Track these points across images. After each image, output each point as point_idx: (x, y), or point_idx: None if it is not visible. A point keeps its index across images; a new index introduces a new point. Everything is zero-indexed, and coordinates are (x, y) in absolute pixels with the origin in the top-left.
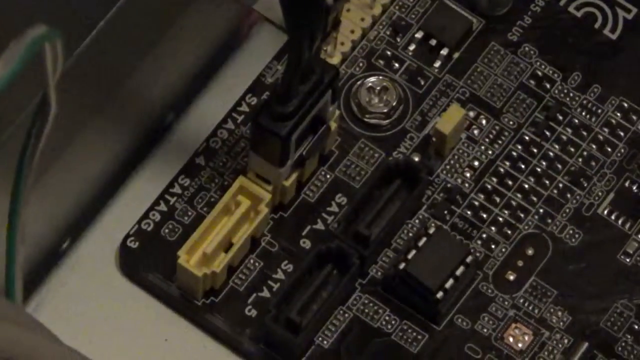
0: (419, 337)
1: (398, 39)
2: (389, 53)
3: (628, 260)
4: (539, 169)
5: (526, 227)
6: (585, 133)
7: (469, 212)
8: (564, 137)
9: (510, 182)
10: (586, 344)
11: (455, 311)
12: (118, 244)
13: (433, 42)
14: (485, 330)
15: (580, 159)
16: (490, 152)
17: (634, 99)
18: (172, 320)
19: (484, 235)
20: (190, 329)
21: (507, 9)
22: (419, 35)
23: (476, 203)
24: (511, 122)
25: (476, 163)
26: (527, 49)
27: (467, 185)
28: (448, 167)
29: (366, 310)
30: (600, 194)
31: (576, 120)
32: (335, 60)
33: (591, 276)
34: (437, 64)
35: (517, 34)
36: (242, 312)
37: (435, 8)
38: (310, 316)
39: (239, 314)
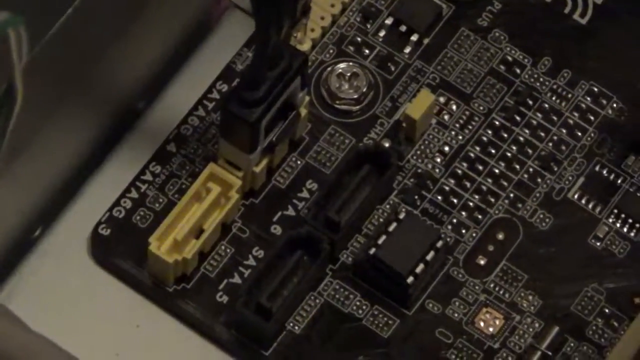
0: (390, 322)
1: (368, 25)
2: (359, 39)
3: (598, 244)
4: (509, 154)
5: (496, 212)
6: (555, 118)
7: (439, 197)
8: (534, 122)
9: (480, 167)
10: (557, 328)
11: (426, 296)
12: (89, 232)
13: (403, 28)
14: (456, 315)
15: (550, 144)
16: (460, 137)
17: (603, 83)
18: (144, 307)
19: (455, 220)
20: (161, 316)
21: None
22: (388, 21)
23: (446, 188)
24: (481, 107)
25: (446, 148)
26: (497, 34)
27: (437, 170)
28: (418, 152)
29: (337, 296)
30: (570, 178)
31: (546, 105)
32: (305, 46)
33: (562, 260)
34: (407, 49)
35: (487, 19)
36: (214, 298)
37: None
38: (281, 302)
39: (210, 300)
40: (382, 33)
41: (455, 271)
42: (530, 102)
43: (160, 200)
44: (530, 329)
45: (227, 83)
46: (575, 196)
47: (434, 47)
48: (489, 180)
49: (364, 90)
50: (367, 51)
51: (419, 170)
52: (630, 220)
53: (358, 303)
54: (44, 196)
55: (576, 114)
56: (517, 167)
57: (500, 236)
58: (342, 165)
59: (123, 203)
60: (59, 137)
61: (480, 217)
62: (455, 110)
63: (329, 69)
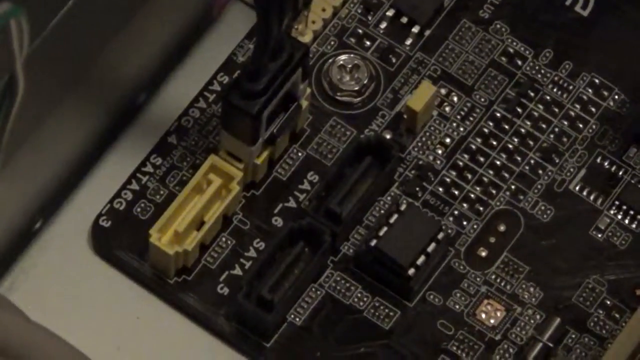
0: (391, 313)
1: (369, 17)
2: (360, 31)
3: (600, 235)
4: (510, 146)
5: (498, 204)
6: (556, 109)
7: (440, 189)
8: (536, 114)
9: (482, 159)
10: (558, 320)
11: (427, 288)
12: (90, 223)
13: (404, 19)
14: (457, 306)
15: (551, 135)
16: (461, 128)
17: (605, 75)
18: (145, 299)
19: (456, 212)
20: (162, 308)
21: None
22: (390, 13)
23: (448, 180)
24: (483, 99)
25: (448, 140)
26: (498, 26)
27: (438, 162)
28: (420, 144)
29: (338, 288)
30: (571, 170)
31: (548, 97)
32: (306, 38)
33: (563, 252)
34: (409, 41)
35: (488, 11)
36: (215, 290)
37: None
38: (282, 294)
39: (211, 292)
40: (383, 25)
41: (457, 263)
42: (532, 94)
43: (161, 192)
44: (532, 321)
45: (228, 75)
46: (577, 188)
47: (435, 39)
48: (490, 171)
49: (365, 82)
50: (368, 43)
51: (420, 162)
52: (631, 212)
53: (359, 295)
54: (45, 188)
55: (577, 106)
56: (519, 158)
57: (502, 228)
58: (343, 157)
59: (124, 195)
60: (60, 129)
61: (481, 208)
62: (457, 102)
63: (330, 60)
